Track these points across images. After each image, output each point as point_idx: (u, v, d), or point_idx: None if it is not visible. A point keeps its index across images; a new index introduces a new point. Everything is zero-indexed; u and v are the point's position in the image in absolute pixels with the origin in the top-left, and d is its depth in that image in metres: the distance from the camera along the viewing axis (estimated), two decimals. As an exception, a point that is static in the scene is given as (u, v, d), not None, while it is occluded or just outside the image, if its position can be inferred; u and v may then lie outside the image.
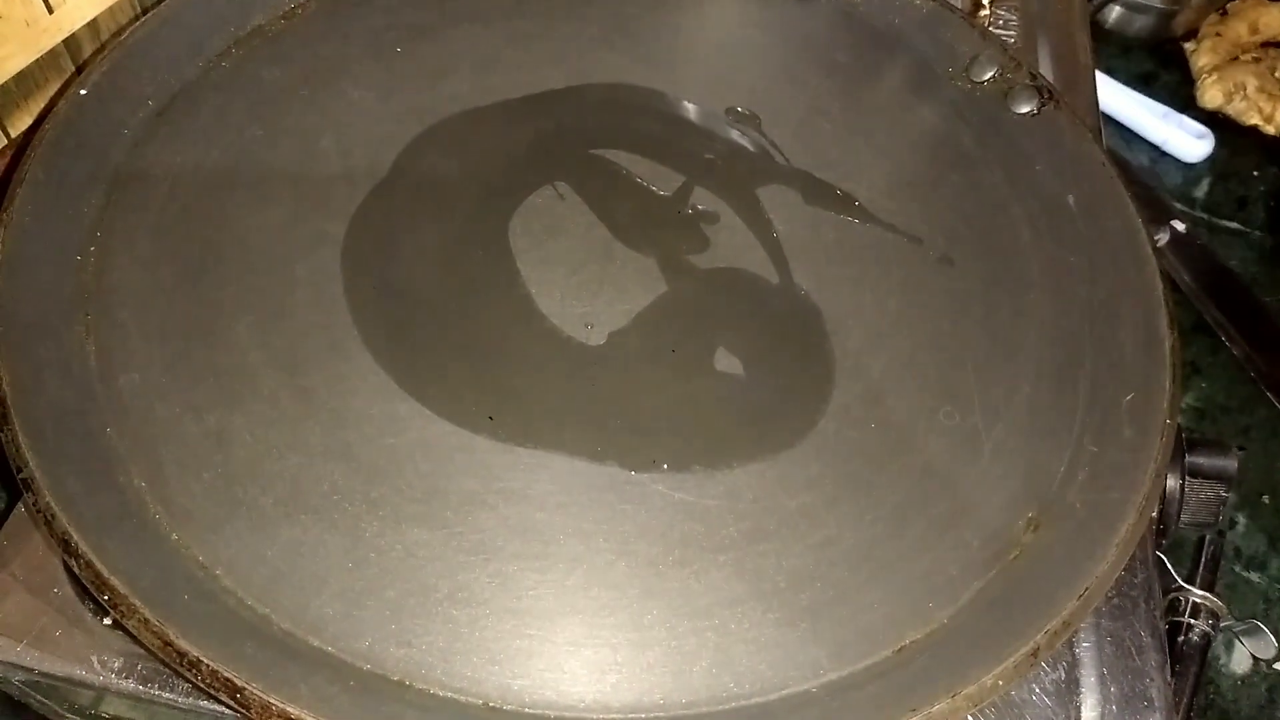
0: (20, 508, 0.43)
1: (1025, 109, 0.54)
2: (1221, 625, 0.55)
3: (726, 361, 0.46)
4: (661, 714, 0.37)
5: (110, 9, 0.60)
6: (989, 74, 0.55)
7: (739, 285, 0.48)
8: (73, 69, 0.61)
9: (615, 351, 0.45)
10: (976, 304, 0.48)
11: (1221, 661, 0.59)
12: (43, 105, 0.60)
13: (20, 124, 0.59)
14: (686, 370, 0.45)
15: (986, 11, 0.60)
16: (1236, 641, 0.60)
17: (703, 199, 0.51)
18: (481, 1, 0.57)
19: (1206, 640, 0.55)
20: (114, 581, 0.35)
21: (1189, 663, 0.52)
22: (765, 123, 0.54)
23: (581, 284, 0.47)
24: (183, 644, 0.34)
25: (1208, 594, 0.54)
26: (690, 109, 0.54)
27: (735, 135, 0.53)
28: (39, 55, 0.57)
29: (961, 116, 0.55)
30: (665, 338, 0.46)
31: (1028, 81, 0.55)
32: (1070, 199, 0.51)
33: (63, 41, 0.58)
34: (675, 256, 0.49)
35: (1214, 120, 0.78)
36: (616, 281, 0.47)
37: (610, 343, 0.46)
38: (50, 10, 0.57)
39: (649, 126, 0.53)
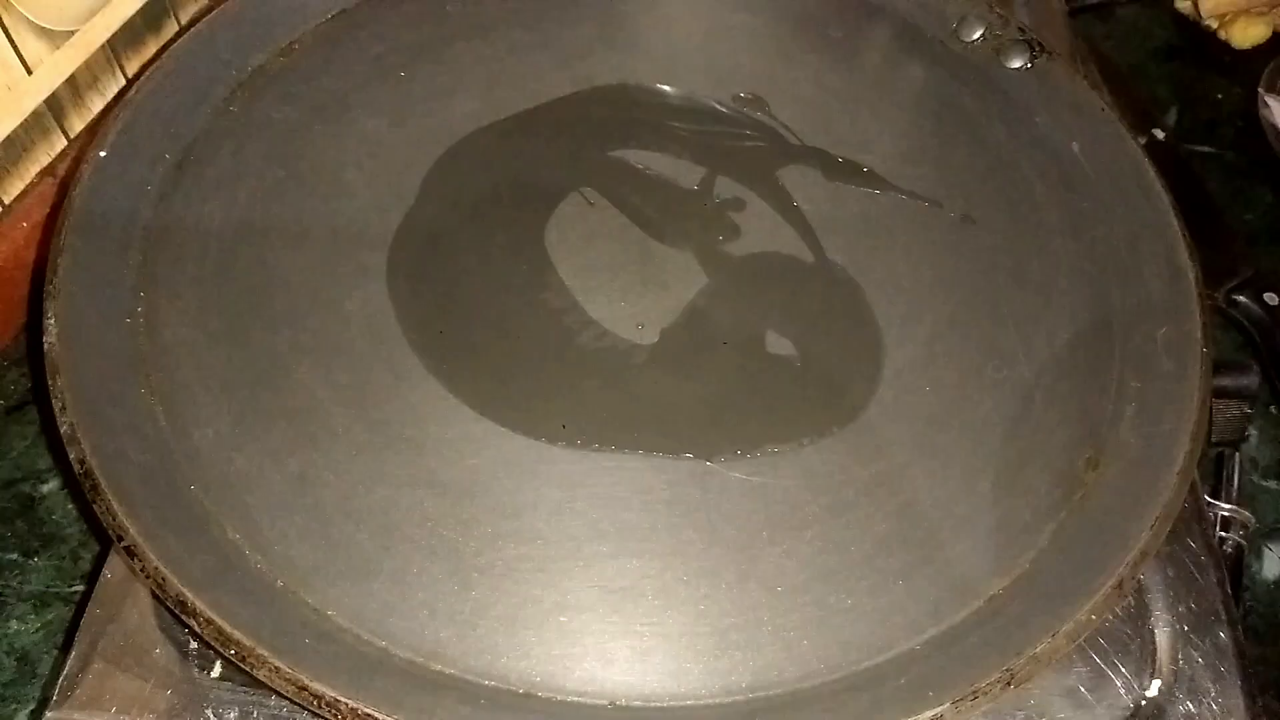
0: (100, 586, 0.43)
1: (1018, 63, 0.56)
2: (1251, 534, 0.57)
3: (778, 344, 0.47)
4: (779, 689, 0.39)
5: (87, 63, 0.59)
6: (978, 33, 0.57)
7: (776, 268, 0.49)
8: (57, 128, 0.60)
9: (670, 347, 0.47)
10: (1004, 258, 0.50)
11: (1254, 569, 0.62)
12: (33, 170, 0.59)
13: (12, 190, 0.59)
14: (741, 356, 0.47)
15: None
16: (1265, 549, 0.63)
17: (726, 187, 0.52)
18: (475, 16, 0.57)
19: (1240, 551, 0.57)
20: (238, 635, 0.36)
21: (1231, 572, 0.55)
22: (772, 105, 0.55)
23: (626, 286, 0.48)
24: (318, 687, 0.35)
25: (1236, 507, 0.57)
26: (698, 100, 0.55)
27: (745, 120, 0.54)
28: (23, 118, 0.57)
29: (958, 77, 0.56)
30: (715, 328, 0.47)
31: (1017, 36, 0.56)
32: (1075, 146, 0.53)
33: (44, 101, 0.58)
34: (710, 247, 0.50)
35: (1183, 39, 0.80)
36: (658, 279, 0.48)
37: (664, 339, 0.47)
38: (29, 72, 0.56)
39: (660, 122, 0.54)
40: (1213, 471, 0.60)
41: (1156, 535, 0.41)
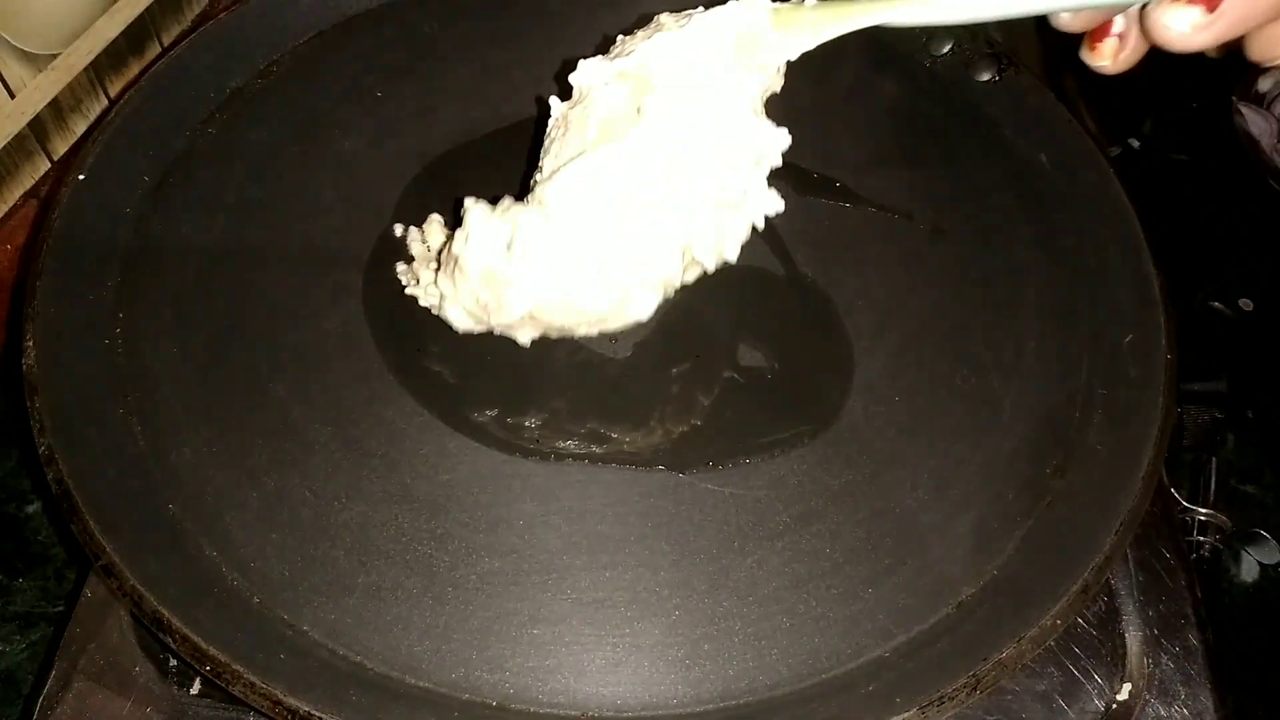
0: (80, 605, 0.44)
1: (986, 76, 0.57)
2: (1227, 537, 0.58)
3: (749, 356, 0.48)
4: (750, 698, 0.39)
5: (70, 86, 0.60)
6: (947, 47, 0.58)
7: (748, 282, 0.50)
8: (40, 151, 0.61)
9: (642, 361, 0.47)
10: (973, 269, 0.51)
11: (1232, 572, 0.63)
12: (17, 192, 0.60)
13: (-5, 213, 0.59)
14: (713, 369, 0.47)
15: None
16: (1243, 552, 0.63)
17: (698, 202, 0.52)
18: (451, 36, 0.58)
19: (1217, 555, 0.58)
20: (214, 652, 0.36)
21: (1204, 576, 0.55)
22: (744, 121, 0.55)
23: (599, 300, 0.49)
24: (292, 701, 0.36)
25: (1213, 511, 0.57)
26: (670, 116, 0.56)
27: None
28: (6, 141, 0.57)
29: (928, 91, 0.57)
30: (688, 341, 0.48)
31: (985, 50, 0.57)
32: (1043, 157, 0.54)
33: (28, 125, 0.58)
34: (683, 262, 0.50)
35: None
36: (631, 293, 0.49)
37: (636, 354, 0.47)
38: (11, 95, 0.57)
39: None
40: (1190, 476, 0.61)
41: (1121, 540, 0.42)
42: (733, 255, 0.43)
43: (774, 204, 0.43)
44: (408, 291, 0.48)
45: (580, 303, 0.42)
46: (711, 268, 0.44)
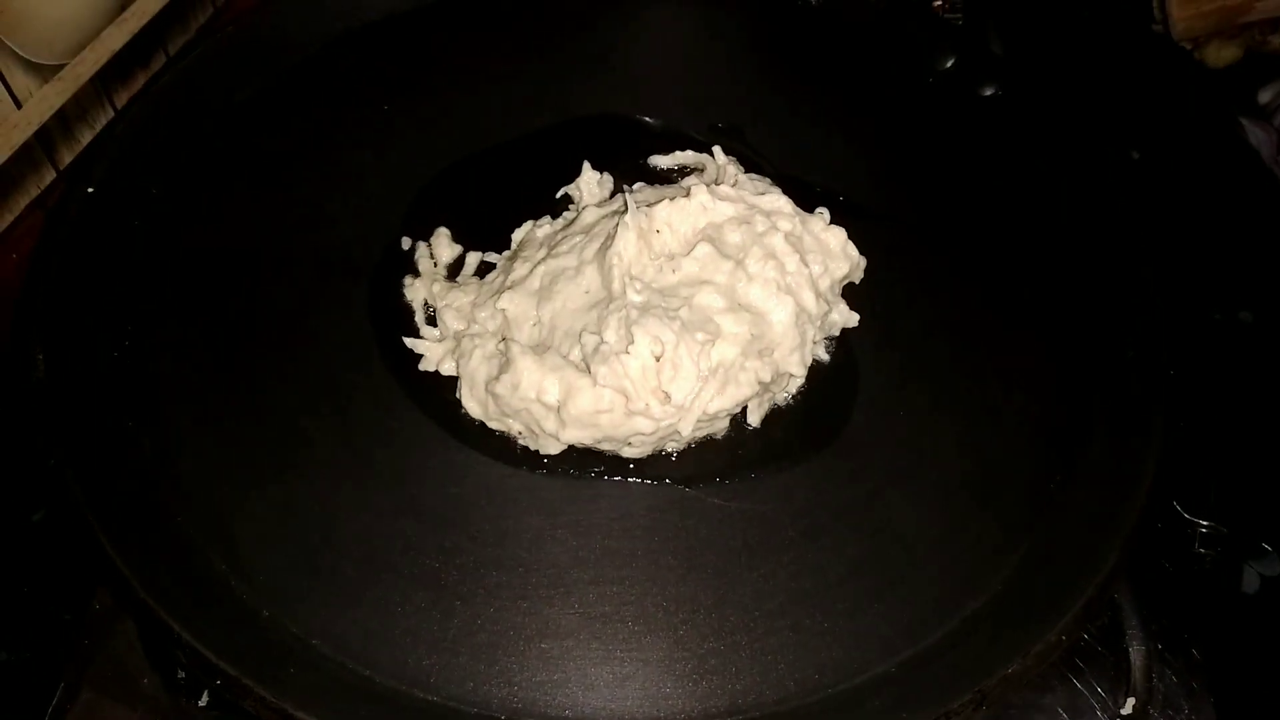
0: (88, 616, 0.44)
1: (989, 90, 0.57)
2: (1229, 550, 0.58)
3: (755, 370, 0.48)
4: (757, 712, 0.39)
5: (76, 96, 0.60)
6: (950, 61, 0.58)
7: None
8: (47, 161, 0.61)
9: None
10: (975, 282, 0.51)
11: (1233, 585, 0.62)
12: (23, 202, 0.60)
13: (1, 223, 0.59)
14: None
15: (939, 1, 0.63)
16: (1244, 565, 0.63)
17: (704, 215, 0.52)
18: (457, 49, 0.58)
19: (1219, 567, 0.58)
20: (223, 665, 0.36)
21: (1206, 589, 0.55)
22: (748, 134, 0.56)
23: (606, 313, 0.49)
24: (303, 715, 0.36)
25: (1215, 523, 0.57)
26: (675, 130, 0.56)
27: (723, 150, 0.55)
28: (13, 152, 0.57)
29: (931, 104, 0.57)
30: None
31: (988, 64, 0.57)
32: (1045, 172, 0.54)
33: (34, 135, 0.58)
34: (689, 275, 0.50)
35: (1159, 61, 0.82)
36: (638, 306, 0.49)
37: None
38: (19, 105, 0.57)
39: (640, 152, 0.55)
40: (1191, 489, 0.61)
41: (1125, 554, 0.42)
42: (756, 423, 0.46)
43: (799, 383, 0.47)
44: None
45: (618, 452, 0.44)
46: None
